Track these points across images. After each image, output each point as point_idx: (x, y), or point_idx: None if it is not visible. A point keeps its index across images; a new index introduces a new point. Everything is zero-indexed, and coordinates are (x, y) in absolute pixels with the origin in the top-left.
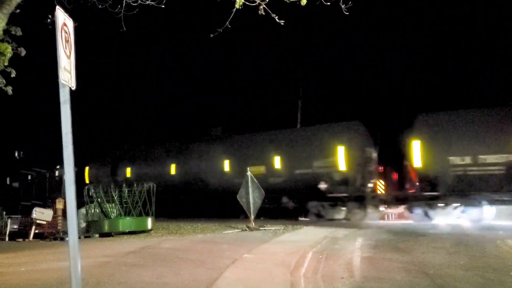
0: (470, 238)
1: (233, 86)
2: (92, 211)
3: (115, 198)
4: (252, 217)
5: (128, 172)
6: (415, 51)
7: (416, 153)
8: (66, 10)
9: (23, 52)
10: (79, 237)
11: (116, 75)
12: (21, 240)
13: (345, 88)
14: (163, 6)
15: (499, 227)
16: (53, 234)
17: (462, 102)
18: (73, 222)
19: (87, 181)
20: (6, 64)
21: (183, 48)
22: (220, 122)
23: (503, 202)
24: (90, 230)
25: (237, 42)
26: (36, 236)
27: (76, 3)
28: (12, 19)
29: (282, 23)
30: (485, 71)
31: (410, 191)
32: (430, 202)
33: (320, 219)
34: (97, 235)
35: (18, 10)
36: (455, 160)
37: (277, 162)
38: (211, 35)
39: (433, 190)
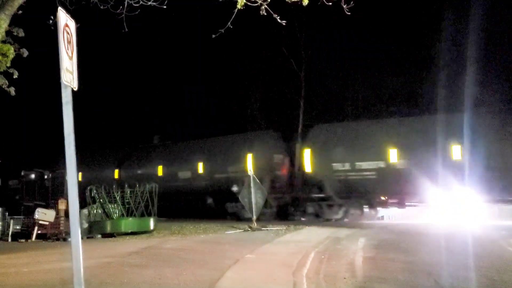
0: (473, 238)
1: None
2: (95, 211)
3: (117, 198)
4: (254, 217)
5: None
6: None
7: (307, 160)
8: (68, 11)
9: (25, 53)
10: (82, 238)
11: (117, 75)
12: (23, 240)
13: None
14: (164, 7)
15: (503, 227)
16: (55, 234)
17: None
18: (76, 223)
19: None
20: (8, 65)
21: (185, 48)
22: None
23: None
24: (92, 230)
25: (239, 43)
26: (38, 236)
27: (78, 4)
28: (14, 20)
29: (284, 23)
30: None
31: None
32: (320, 203)
33: (238, 219)
34: (99, 236)
35: (20, 11)
36: (337, 166)
37: (200, 167)
38: (213, 36)
39: (320, 192)
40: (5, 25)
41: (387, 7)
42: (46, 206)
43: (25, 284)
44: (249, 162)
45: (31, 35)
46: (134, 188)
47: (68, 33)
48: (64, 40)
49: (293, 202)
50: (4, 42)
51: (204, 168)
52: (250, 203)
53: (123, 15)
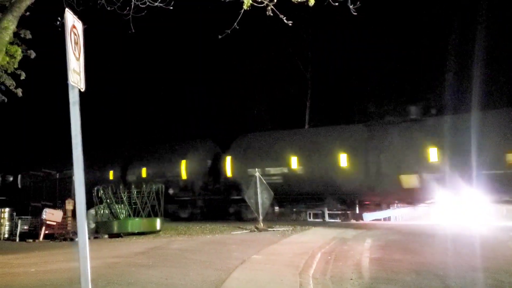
0: (481, 239)
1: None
2: (102, 212)
3: (124, 199)
4: (261, 218)
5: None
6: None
7: (228, 165)
8: (75, 13)
9: (32, 54)
10: (89, 238)
11: (123, 76)
12: (31, 240)
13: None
14: (171, 7)
15: (511, 228)
16: (63, 234)
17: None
18: (83, 223)
19: None
20: (16, 66)
21: (190, 49)
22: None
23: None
24: (99, 230)
25: (245, 43)
26: (46, 236)
27: (85, 5)
28: (22, 22)
29: (290, 24)
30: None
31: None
32: (240, 204)
33: (176, 218)
34: (106, 236)
35: (28, 13)
36: (251, 171)
37: (144, 172)
38: (219, 36)
39: (238, 194)
40: (12, 26)
41: (393, 7)
42: (54, 207)
43: (33, 284)
44: (183, 168)
45: (38, 36)
46: (140, 189)
47: (75, 34)
48: (71, 41)
49: (218, 204)
50: (12, 43)
51: (147, 172)
52: (257, 203)
53: (130, 16)
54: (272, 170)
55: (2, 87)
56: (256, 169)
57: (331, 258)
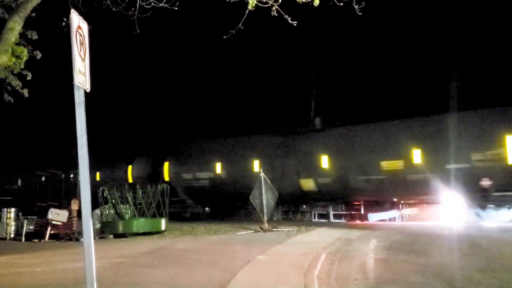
0: (486, 240)
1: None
2: (107, 212)
3: (129, 199)
4: (266, 218)
5: None
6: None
7: (166, 171)
8: (81, 13)
9: (38, 55)
10: (94, 238)
11: (127, 76)
12: (37, 240)
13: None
14: (176, 8)
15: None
16: (68, 234)
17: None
18: (88, 223)
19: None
20: (22, 67)
21: (195, 49)
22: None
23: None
24: (104, 231)
25: (249, 44)
26: (51, 236)
27: (91, 6)
28: (28, 23)
29: (295, 24)
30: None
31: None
32: (179, 205)
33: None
34: (111, 236)
35: (33, 14)
36: (185, 175)
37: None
38: (224, 37)
39: (176, 196)
40: (19, 27)
41: (398, 7)
42: (59, 207)
43: (39, 283)
44: (129, 172)
45: (44, 37)
46: (145, 189)
47: (80, 35)
48: (77, 42)
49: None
50: (18, 44)
51: (99, 175)
52: (261, 204)
53: (135, 16)
54: (201, 175)
55: (9, 87)
56: (261, 169)
57: (336, 258)
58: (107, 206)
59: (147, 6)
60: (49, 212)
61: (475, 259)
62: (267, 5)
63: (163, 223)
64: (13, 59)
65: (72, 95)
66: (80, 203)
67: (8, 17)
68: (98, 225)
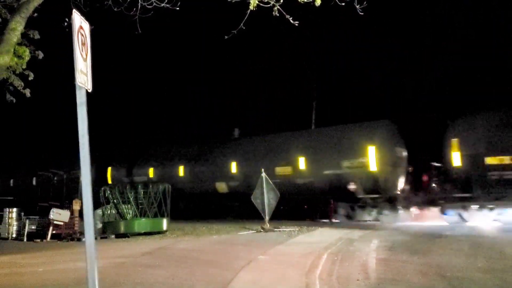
0: (488, 240)
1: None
2: (108, 212)
3: (131, 199)
4: (267, 218)
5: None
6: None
7: (108, 174)
8: (83, 13)
9: (40, 55)
10: (96, 238)
11: (129, 76)
12: (39, 240)
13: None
14: (177, 8)
15: None
16: (70, 234)
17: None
18: (90, 223)
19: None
20: (24, 67)
21: (196, 49)
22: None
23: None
24: (106, 231)
25: (250, 44)
26: (53, 236)
27: (92, 6)
28: (30, 23)
29: (297, 24)
30: None
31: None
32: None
33: None
34: (113, 236)
35: (35, 14)
36: (125, 179)
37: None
38: (225, 37)
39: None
40: (20, 27)
41: (399, 7)
42: (61, 206)
43: (40, 283)
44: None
45: (46, 37)
46: (147, 189)
47: (82, 35)
48: (78, 42)
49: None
50: (20, 44)
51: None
52: (263, 204)
53: (137, 16)
54: (138, 179)
55: (11, 87)
56: (262, 169)
57: (337, 258)
58: (108, 206)
59: (149, 6)
60: (51, 212)
61: (476, 259)
62: (268, 5)
63: (164, 223)
64: (15, 59)
65: (74, 95)
66: (81, 203)
67: (10, 17)
68: (99, 225)
